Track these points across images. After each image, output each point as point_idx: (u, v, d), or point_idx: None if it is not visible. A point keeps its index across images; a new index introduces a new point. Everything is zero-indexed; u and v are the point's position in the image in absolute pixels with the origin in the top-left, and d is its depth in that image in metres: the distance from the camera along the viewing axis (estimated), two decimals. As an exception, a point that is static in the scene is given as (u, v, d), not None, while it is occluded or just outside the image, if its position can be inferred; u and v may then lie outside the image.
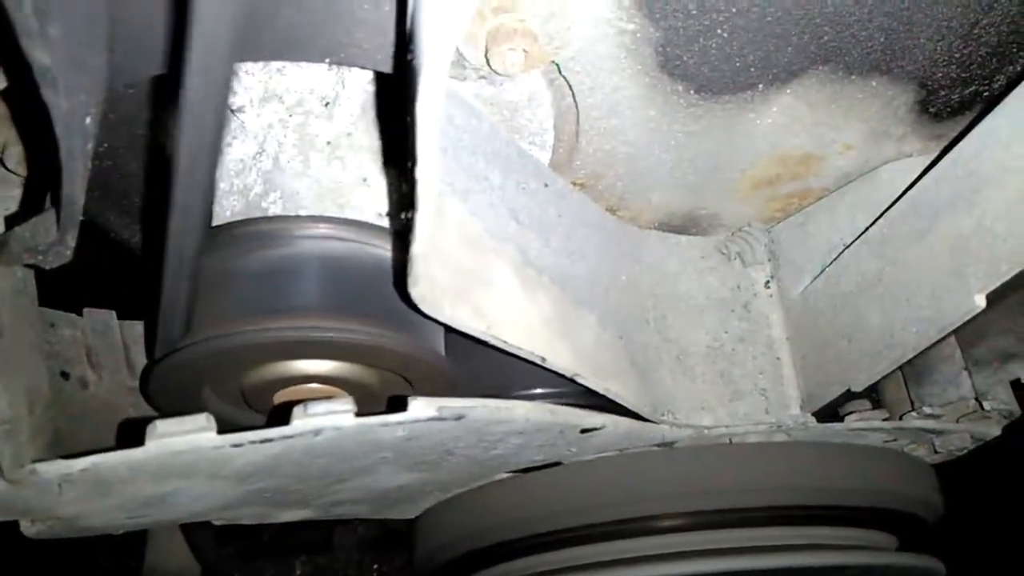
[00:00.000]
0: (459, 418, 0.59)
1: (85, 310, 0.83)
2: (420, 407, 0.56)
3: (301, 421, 0.53)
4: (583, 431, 0.73)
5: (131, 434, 0.52)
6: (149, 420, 0.52)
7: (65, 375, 0.76)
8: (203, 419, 0.52)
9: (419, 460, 0.72)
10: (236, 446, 0.52)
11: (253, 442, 0.53)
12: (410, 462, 0.72)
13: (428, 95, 0.42)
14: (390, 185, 0.70)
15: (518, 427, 0.67)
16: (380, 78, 0.73)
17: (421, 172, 0.45)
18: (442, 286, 0.57)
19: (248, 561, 1.34)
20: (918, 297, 0.68)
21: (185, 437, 0.51)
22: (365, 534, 1.32)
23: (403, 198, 0.53)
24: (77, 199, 0.49)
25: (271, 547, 1.36)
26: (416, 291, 0.54)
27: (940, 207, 0.67)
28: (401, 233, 0.51)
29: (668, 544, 0.88)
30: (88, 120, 0.47)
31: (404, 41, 0.45)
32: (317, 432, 0.54)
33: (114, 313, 0.84)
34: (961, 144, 0.66)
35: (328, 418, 0.53)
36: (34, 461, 0.56)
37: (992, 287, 0.62)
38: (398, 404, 0.56)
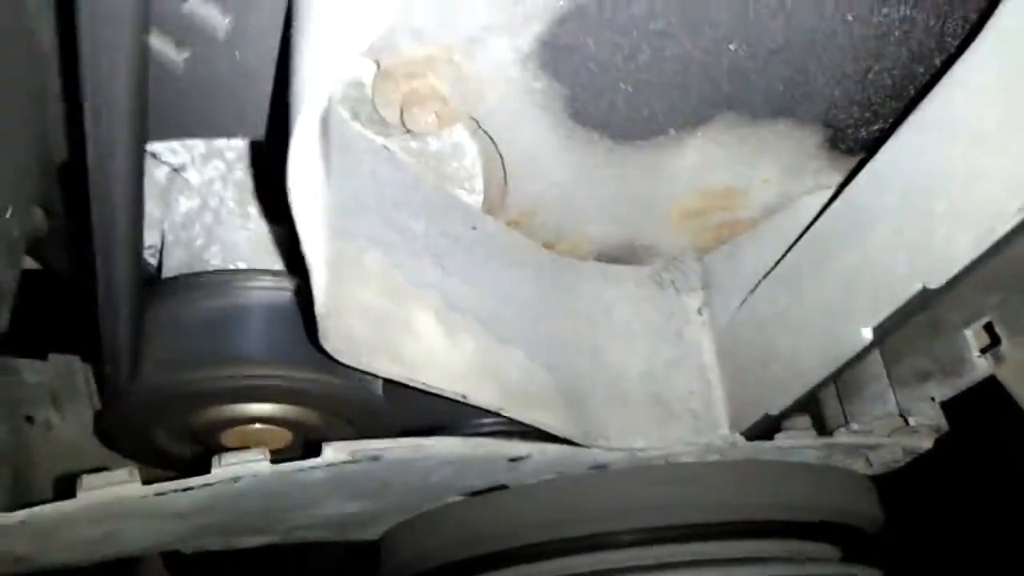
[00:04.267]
0: (375, 459, 0.64)
1: (50, 355, 0.88)
2: (333, 452, 0.61)
3: (218, 470, 0.58)
4: (511, 460, 0.77)
5: (67, 486, 0.57)
6: (81, 474, 0.57)
7: (30, 419, 0.82)
8: (126, 473, 0.57)
9: (358, 491, 0.76)
10: (160, 495, 0.57)
11: (176, 491, 0.58)
12: (350, 493, 0.77)
13: (298, 180, 0.46)
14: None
15: (442, 460, 0.71)
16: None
17: (306, 248, 0.50)
18: (359, 337, 0.62)
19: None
20: (817, 328, 0.73)
21: (111, 489, 0.56)
22: (341, 553, 1.37)
23: None
24: (6, 285, 0.54)
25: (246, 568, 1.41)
26: (328, 345, 0.59)
27: (834, 243, 0.71)
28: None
29: (617, 559, 0.92)
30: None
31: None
32: (236, 479, 0.58)
33: (78, 357, 0.90)
34: (851, 185, 0.70)
35: (242, 467, 0.58)
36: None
37: (878, 322, 0.66)
38: (313, 449, 0.61)
